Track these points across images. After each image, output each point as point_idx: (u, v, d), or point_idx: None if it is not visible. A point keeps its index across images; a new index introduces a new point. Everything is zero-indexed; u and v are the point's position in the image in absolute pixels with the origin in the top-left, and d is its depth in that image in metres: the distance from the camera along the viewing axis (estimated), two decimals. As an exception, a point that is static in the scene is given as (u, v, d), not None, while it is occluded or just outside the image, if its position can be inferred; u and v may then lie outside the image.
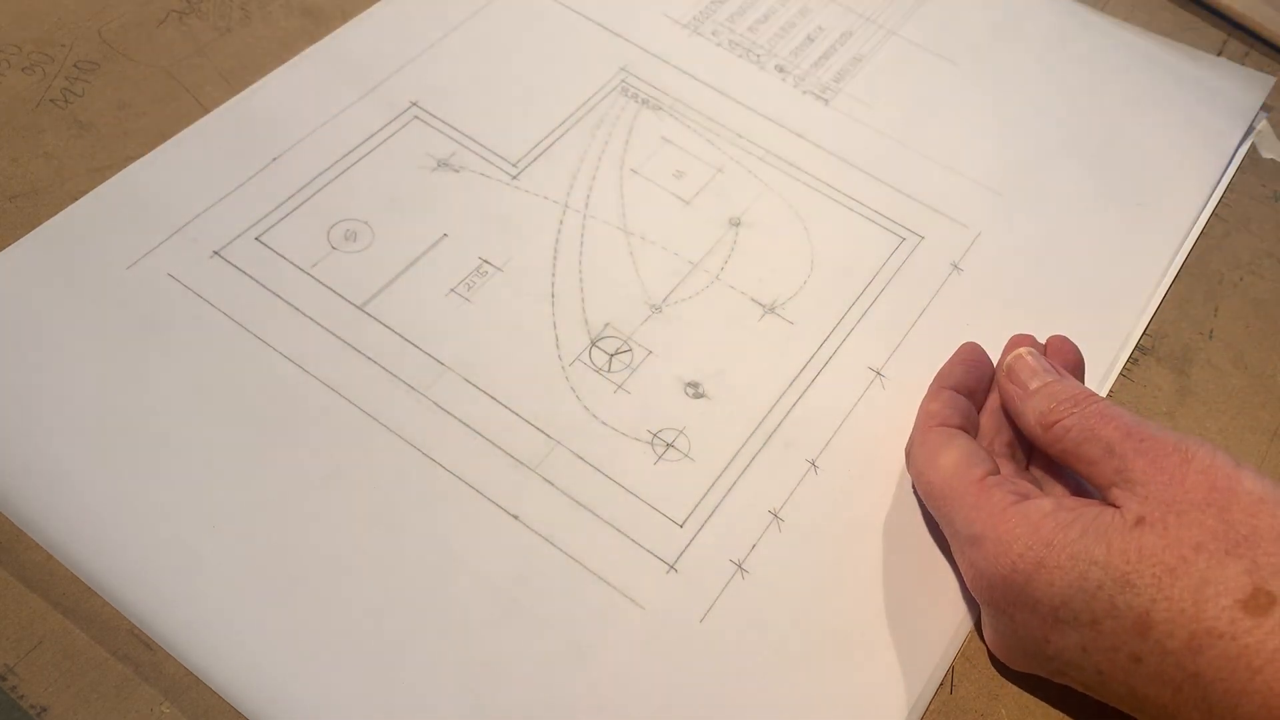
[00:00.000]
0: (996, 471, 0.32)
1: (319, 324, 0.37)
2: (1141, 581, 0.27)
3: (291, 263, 0.39)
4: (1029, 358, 0.34)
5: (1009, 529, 0.29)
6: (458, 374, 0.37)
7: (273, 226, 0.39)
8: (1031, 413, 0.32)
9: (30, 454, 0.33)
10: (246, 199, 0.40)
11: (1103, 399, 0.32)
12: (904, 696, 0.32)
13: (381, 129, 0.43)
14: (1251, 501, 0.28)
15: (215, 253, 0.38)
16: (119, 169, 0.40)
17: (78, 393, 0.35)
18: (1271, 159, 0.47)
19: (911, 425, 0.35)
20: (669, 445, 0.36)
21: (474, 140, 0.43)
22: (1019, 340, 0.35)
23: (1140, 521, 0.28)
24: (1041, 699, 0.32)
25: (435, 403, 0.36)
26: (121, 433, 0.34)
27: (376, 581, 0.32)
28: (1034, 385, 0.33)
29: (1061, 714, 0.32)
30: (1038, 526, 0.29)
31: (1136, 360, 0.40)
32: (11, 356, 0.35)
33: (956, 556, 0.32)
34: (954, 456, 0.32)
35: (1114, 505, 0.29)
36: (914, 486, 0.35)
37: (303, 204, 0.40)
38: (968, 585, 0.32)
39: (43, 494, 0.33)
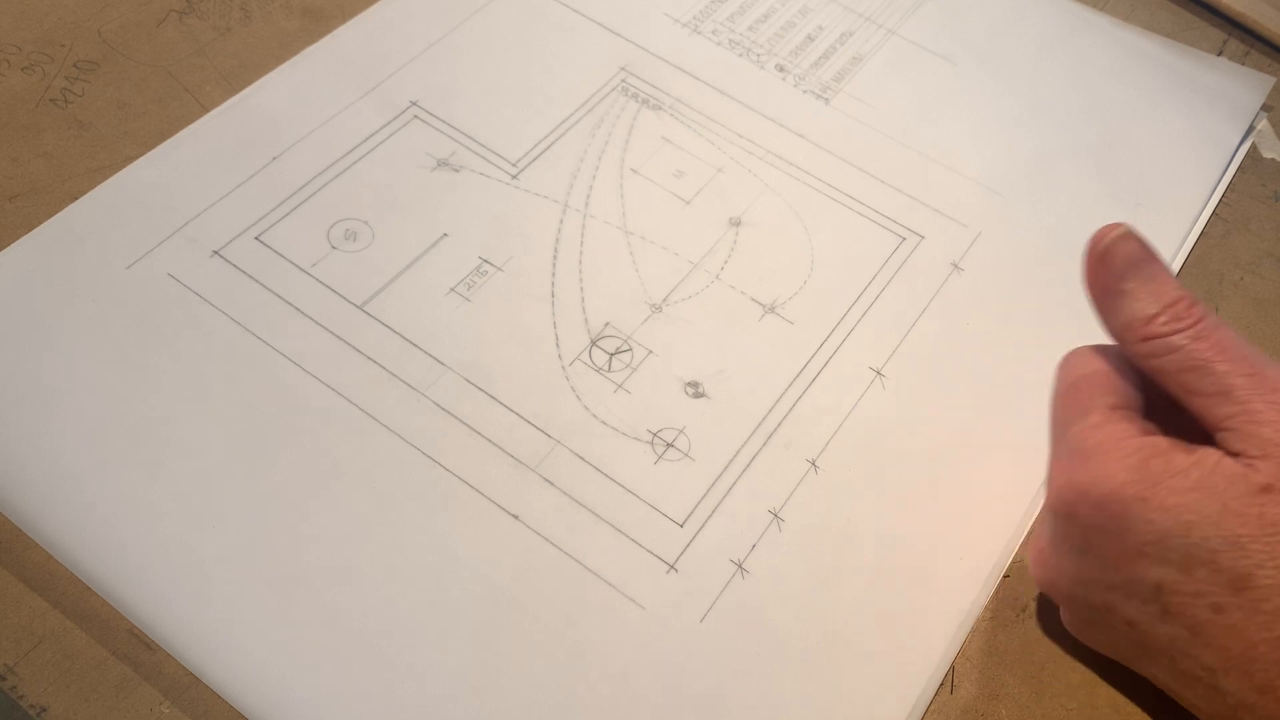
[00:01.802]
0: (1132, 407, 0.29)
1: (319, 324, 0.37)
2: (1254, 547, 0.26)
3: (291, 262, 0.39)
4: (1133, 242, 0.29)
5: (1123, 457, 0.27)
6: (458, 374, 0.37)
7: (273, 226, 0.39)
8: (1125, 313, 0.28)
9: (30, 454, 0.33)
10: (246, 199, 0.40)
11: (1212, 315, 0.28)
12: (904, 696, 0.32)
13: (381, 129, 0.43)
14: None
15: (215, 252, 0.38)
16: (119, 169, 0.40)
17: (78, 392, 0.35)
18: (1271, 159, 0.47)
19: (910, 425, 0.35)
20: (669, 445, 0.36)
21: (474, 140, 0.43)
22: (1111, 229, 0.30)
23: (1268, 489, 0.26)
24: (1042, 700, 0.32)
25: (435, 403, 0.36)
26: (121, 432, 0.34)
27: (376, 581, 0.32)
28: (1130, 284, 0.29)
29: (1063, 715, 0.32)
30: (1148, 461, 0.27)
31: (1136, 360, 0.40)
32: (11, 356, 0.35)
33: (1051, 453, 0.30)
34: (1106, 373, 0.29)
35: (1232, 453, 0.27)
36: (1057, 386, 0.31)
37: (303, 204, 0.40)
38: (1049, 487, 0.30)
39: (43, 494, 0.33)
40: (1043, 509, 0.31)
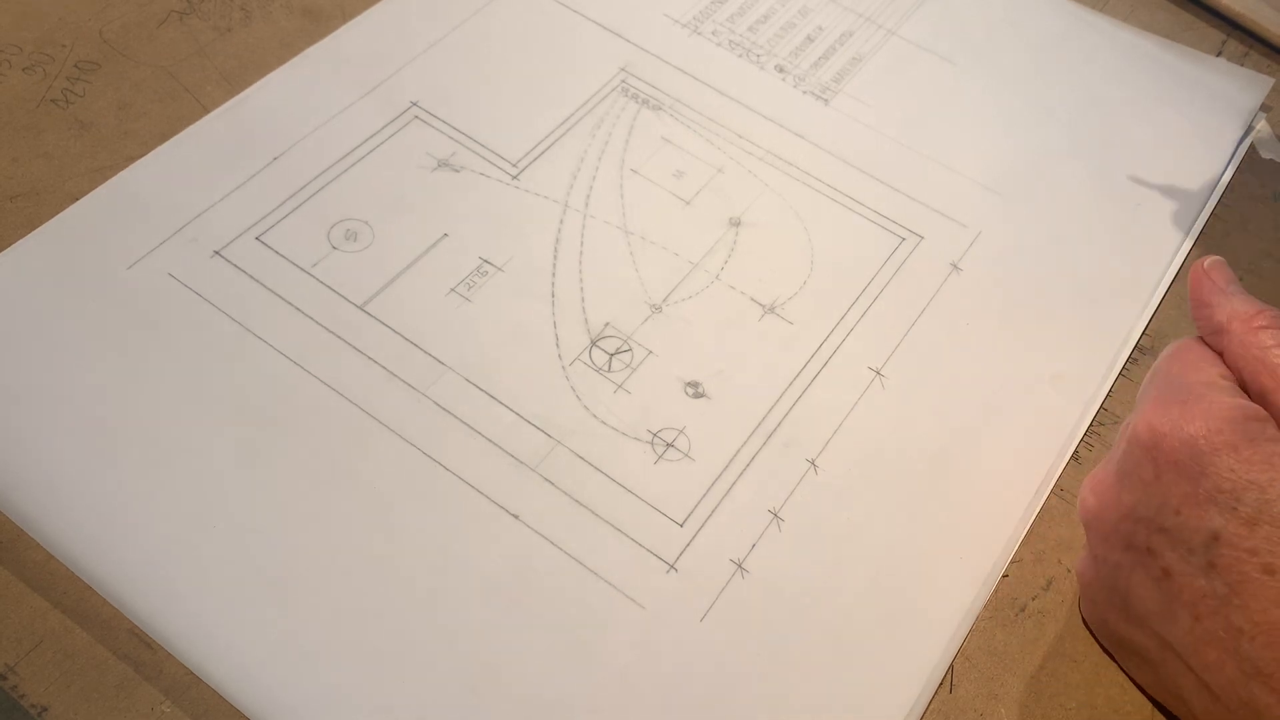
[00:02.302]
0: (1245, 395, 0.31)
1: (319, 324, 0.37)
2: None
3: (292, 263, 0.39)
4: (1228, 268, 0.33)
5: (1225, 410, 0.29)
6: (458, 374, 0.37)
7: (273, 226, 0.39)
8: (1230, 307, 0.31)
9: (30, 454, 0.34)
10: (247, 199, 0.40)
11: None
12: (904, 696, 0.32)
13: (381, 129, 0.43)
14: None
15: (216, 253, 0.38)
16: (119, 169, 0.40)
17: (78, 393, 0.35)
18: (1271, 159, 0.47)
19: (910, 425, 0.35)
20: (669, 445, 0.36)
21: (474, 140, 0.43)
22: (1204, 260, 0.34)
23: None
24: (1042, 700, 0.32)
25: (435, 403, 0.36)
26: (121, 433, 0.34)
27: (376, 581, 0.32)
28: (1232, 288, 0.32)
29: (1063, 715, 0.32)
30: (1248, 421, 0.28)
31: (1136, 360, 0.40)
32: (11, 356, 0.35)
33: (1147, 394, 0.31)
34: (1219, 357, 0.31)
35: None
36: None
37: (303, 204, 0.40)
38: (1140, 419, 0.30)
39: (43, 494, 0.33)
40: (1119, 441, 0.31)
